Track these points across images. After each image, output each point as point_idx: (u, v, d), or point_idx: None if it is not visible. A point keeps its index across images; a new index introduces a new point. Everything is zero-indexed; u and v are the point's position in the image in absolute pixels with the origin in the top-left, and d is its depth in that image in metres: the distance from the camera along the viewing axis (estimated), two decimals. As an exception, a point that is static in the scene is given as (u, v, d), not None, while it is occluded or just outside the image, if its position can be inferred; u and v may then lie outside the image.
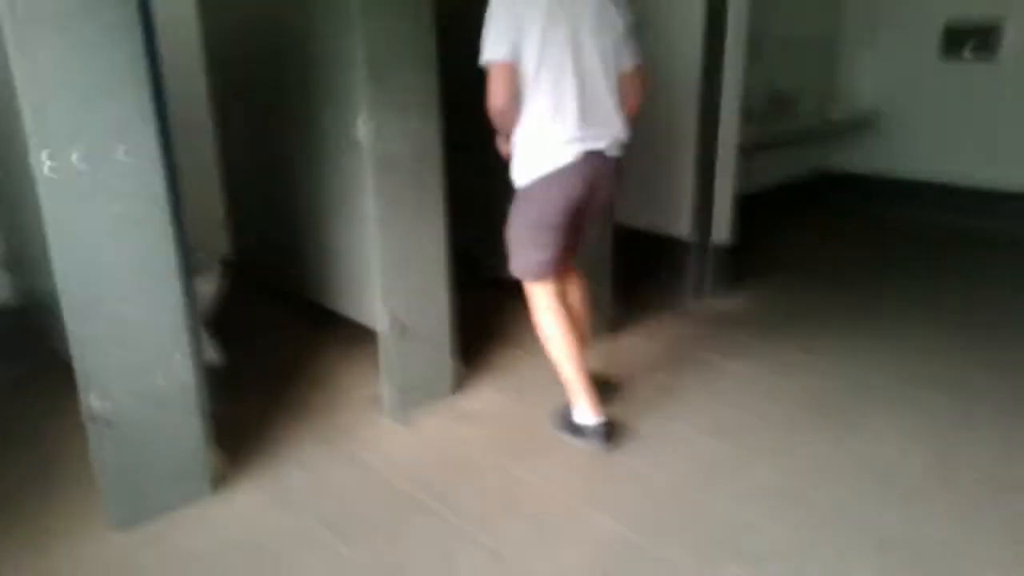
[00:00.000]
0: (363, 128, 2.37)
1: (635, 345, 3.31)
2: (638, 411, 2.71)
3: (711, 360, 3.14)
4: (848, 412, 2.70)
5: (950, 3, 5.13)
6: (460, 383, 2.89)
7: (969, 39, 5.07)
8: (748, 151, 3.87)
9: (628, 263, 3.50)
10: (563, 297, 2.50)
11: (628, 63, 2.31)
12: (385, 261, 2.50)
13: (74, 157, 1.77)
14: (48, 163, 1.75)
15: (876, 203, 5.72)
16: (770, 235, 4.92)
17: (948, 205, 5.36)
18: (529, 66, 2.14)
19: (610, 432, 2.48)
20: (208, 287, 2.73)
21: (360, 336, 2.89)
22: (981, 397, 2.78)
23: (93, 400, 1.94)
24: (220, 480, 2.27)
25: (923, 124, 5.46)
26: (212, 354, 2.99)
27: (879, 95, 5.66)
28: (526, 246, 2.34)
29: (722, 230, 3.74)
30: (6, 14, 1.65)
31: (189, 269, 2.10)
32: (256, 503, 2.22)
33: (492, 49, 2.11)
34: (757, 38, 3.84)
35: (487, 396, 2.86)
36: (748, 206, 3.98)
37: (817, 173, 5.95)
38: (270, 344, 3.34)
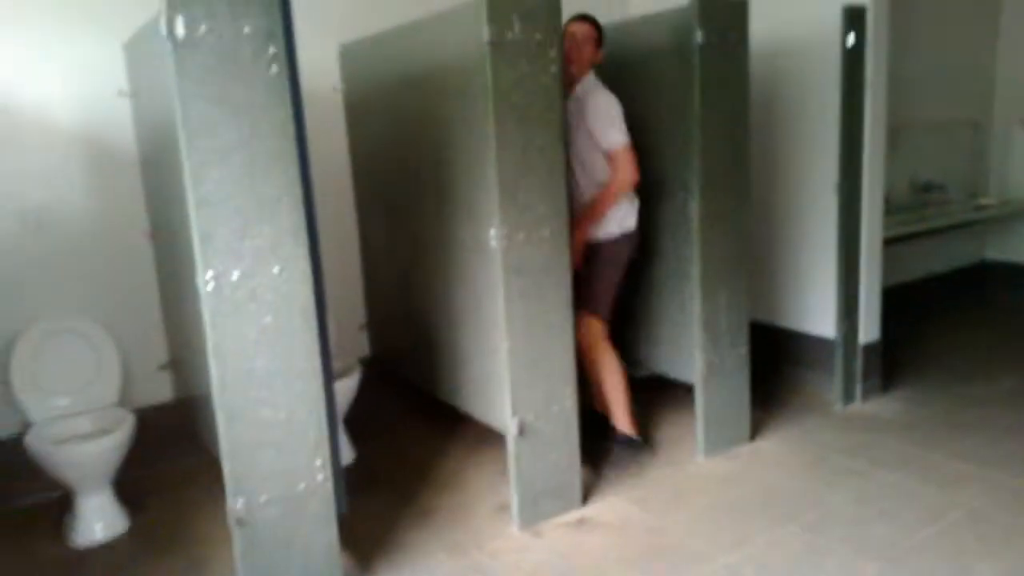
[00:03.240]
0: (496, 237, 2.44)
1: (775, 452, 3.11)
2: (781, 527, 2.52)
3: (860, 470, 2.90)
4: (1020, 536, 2.39)
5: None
6: (588, 490, 2.81)
7: None
8: (895, 243, 3.67)
9: (769, 363, 3.35)
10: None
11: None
12: (514, 365, 2.52)
13: (235, 276, 1.92)
14: (212, 281, 1.90)
15: (1042, 294, 5.23)
16: (925, 330, 4.57)
17: None
18: None
19: (647, 443, 3.18)
20: (348, 389, 2.84)
21: (490, 438, 2.89)
22: None
23: (239, 504, 2.02)
24: (351, 585, 2.29)
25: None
26: (347, 451, 3.08)
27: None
28: (610, 290, 3.01)
29: (870, 328, 3.52)
30: (183, 148, 1.85)
31: (331, 374, 2.19)
32: (386, 612, 2.21)
33: (621, 134, 2.84)
34: (900, 125, 3.69)
35: (614, 504, 2.76)
36: (900, 299, 3.74)
37: (973, 263, 5.53)
38: (402, 443, 3.40)
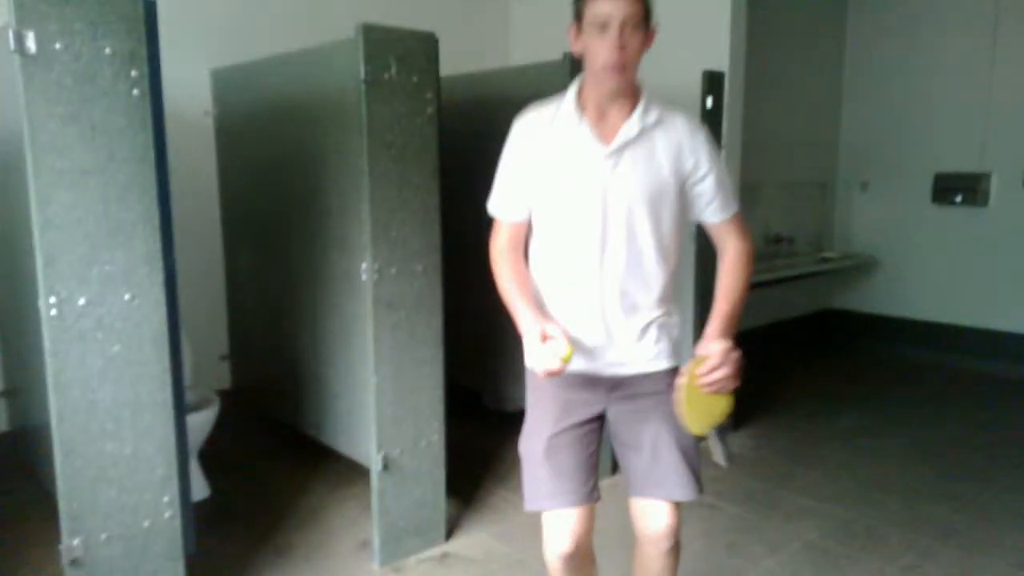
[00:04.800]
0: (367, 271, 2.44)
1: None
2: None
3: (710, 503, 3.06)
4: (854, 566, 2.60)
5: (939, 158, 5.37)
6: (452, 525, 2.82)
7: (958, 190, 5.28)
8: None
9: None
10: None
11: None
12: (382, 400, 2.51)
13: (80, 302, 1.83)
14: (55, 307, 1.80)
15: (875, 340, 5.76)
16: (773, 372, 4.91)
17: (947, 344, 5.39)
18: None
19: None
20: (202, 422, 2.73)
21: (354, 474, 2.85)
22: (996, 549, 2.69)
23: (76, 542, 1.90)
24: (197, 630, 2.18)
25: (917, 265, 5.58)
26: (199, 486, 2.94)
27: (873, 238, 5.82)
28: None
29: (721, 370, 3.73)
30: (29, 167, 1.76)
31: (184, 407, 2.11)
32: (232, 656, 2.12)
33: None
34: (754, 183, 3.98)
35: (478, 538, 2.78)
36: (749, 343, 4.00)
37: (818, 311, 6.02)
38: (261, 478, 3.28)
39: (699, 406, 1.62)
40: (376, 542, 2.57)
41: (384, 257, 2.46)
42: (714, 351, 1.59)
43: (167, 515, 2.04)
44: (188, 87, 3.39)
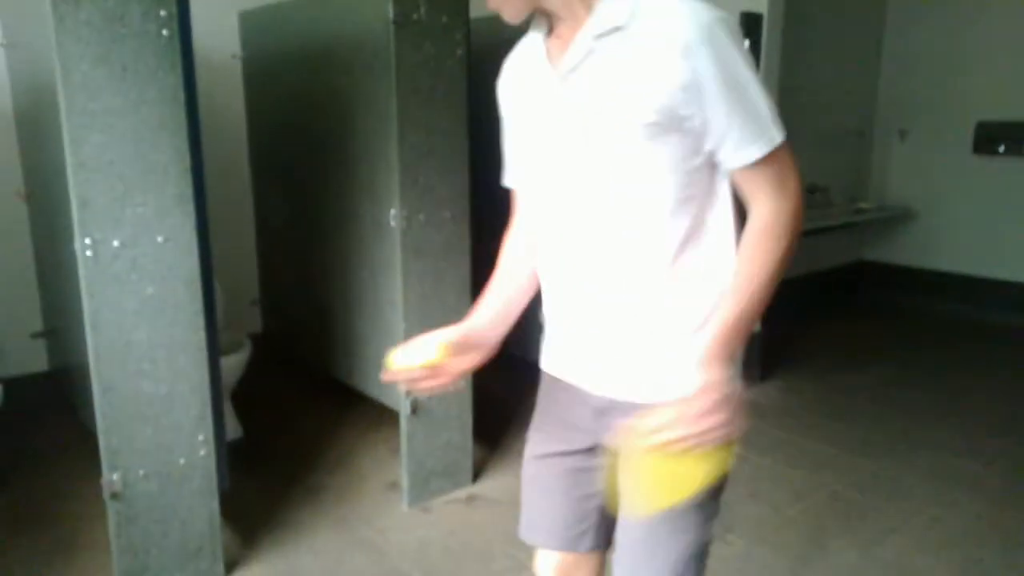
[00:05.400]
0: (396, 218, 2.44)
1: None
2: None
3: (736, 453, 3.07)
4: (878, 516, 2.61)
5: (981, 106, 5.18)
6: (479, 468, 2.86)
7: (1002, 139, 5.09)
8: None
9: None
10: None
11: None
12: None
13: (115, 243, 1.85)
14: (90, 249, 1.82)
15: (910, 294, 5.66)
16: (803, 323, 4.87)
17: (982, 299, 5.28)
18: None
19: None
20: (235, 364, 2.78)
21: (381, 417, 2.90)
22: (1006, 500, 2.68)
23: (115, 478, 1.96)
24: (233, 562, 2.26)
25: (954, 217, 5.44)
26: (232, 427, 3.02)
27: (911, 189, 5.67)
28: None
29: (750, 321, 3.69)
30: (62, 109, 1.76)
31: (217, 349, 2.14)
32: (267, 588, 2.20)
33: (778, 123, 1.09)
34: (789, 131, 3.85)
35: (504, 482, 2.82)
36: (781, 294, 3.96)
37: (852, 262, 5.92)
38: (292, 421, 3.36)
39: (660, 473, 1.05)
40: (405, 483, 2.63)
41: (412, 204, 2.45)
42: (672, 407, 1.03)
43: (202, 453, 2.09)
44: (216, 30, 3.37)
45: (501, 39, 1.27)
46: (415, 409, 2.57)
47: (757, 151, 1.06)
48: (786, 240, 1.09)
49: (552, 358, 1.30)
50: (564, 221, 1.17)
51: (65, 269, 2.37)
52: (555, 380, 1.29)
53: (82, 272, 1.84)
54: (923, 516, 2.62)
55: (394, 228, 2.46)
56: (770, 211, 1.09)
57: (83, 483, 2.58)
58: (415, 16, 2.33)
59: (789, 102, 3.67)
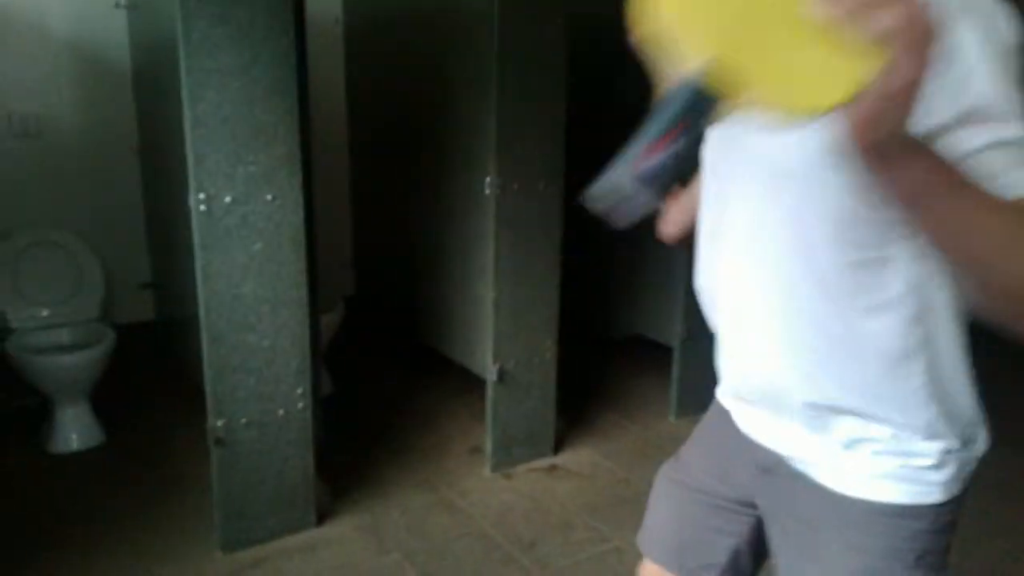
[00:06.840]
0: (490, 186, 2.44)
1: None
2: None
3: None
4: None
5: None
6: (560, 440, 2.88)
7: None
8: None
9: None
10: None
11: None
12: (499, 313, 2.54)
13: (227, 199, 1.92)
14: (204, 204, 1.90)
15: None
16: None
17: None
18: None
19: None
20: (329, 323, 2.86)
21: (469, 384, 2.94)
22: None
23: (219, 424, 2.06)
24: (324, 513, 2.34)
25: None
26: (325, 383, 3.12)
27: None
28: None
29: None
30: (182, 66, 1.83)
31: (317, 306, 2.21)
32: (355, 539, 2.27)
33: None
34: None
35: (585, 454, 2.83)
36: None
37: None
38: (381, 382, 3.44)
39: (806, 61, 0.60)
40: (488, 448, 2.66)
41: (507, 173, 2.45)
42: None
43: (300, 406, 2.17)
44: (320, -6, 3.43)
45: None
46: (501, 376, 2.59)
47: None
48: None
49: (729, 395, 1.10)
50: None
51: (176, 223, 2.48)
52: (726, 417, 1.09)
53: (195, 226, 1.92)
54: None
55: (488, 196, 2.46)
56: None
57: (186, 428, 2.72)
58: (519, -19, 2.31)
59: None
